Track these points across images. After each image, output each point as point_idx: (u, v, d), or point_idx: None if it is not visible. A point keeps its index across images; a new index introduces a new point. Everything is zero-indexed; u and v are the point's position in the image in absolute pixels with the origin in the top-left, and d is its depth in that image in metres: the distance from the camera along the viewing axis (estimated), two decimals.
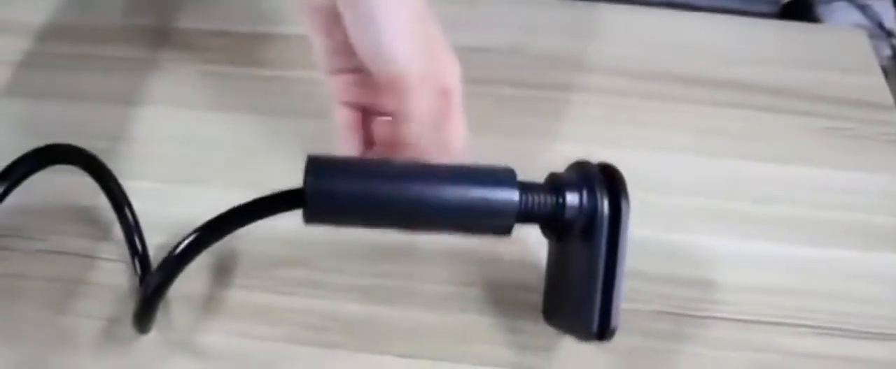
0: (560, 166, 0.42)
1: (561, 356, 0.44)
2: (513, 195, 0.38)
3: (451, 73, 0.42)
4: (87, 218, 0.48)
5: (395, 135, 0.42)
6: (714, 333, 0.45)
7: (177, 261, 0.38)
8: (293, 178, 0.37)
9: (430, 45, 0.40)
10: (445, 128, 0.42)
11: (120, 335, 0.44)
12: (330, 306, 0.46)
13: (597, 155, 0.40)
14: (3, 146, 0.43)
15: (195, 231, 0.37)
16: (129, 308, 0.42)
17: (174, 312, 0.45)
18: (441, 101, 0.41)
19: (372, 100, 0.44)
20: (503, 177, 0.39)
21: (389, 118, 0.43)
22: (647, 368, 0.43)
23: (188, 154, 0.53)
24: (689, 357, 0.44)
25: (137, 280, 0.45)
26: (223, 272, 0.47)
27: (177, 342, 0.44)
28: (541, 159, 0.43)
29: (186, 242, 0.37)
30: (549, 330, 0.44)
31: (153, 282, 0.39)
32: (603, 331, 0.38)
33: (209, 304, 0.46)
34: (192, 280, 0.45)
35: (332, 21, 0.40)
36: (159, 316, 0.42)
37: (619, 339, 0.42)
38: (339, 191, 0.37)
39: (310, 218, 0.37)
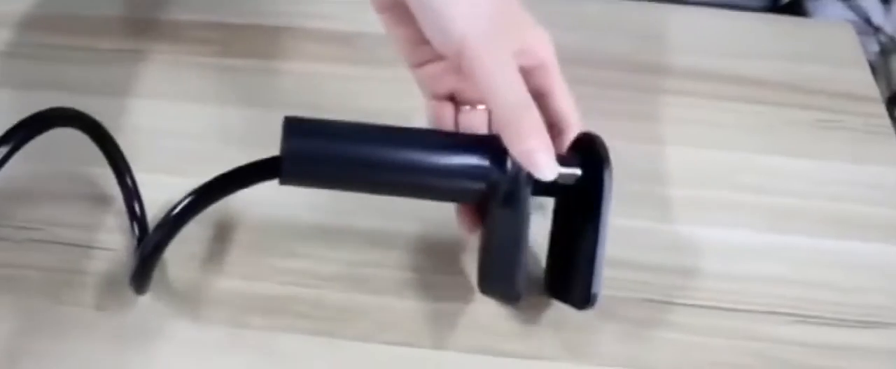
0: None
1: (547, 342, 0.44)
2: (485, 161, 0.38)
3: (540, 43, 0.38)
4: (86, 184, 0.49)
5: (487, 122, 0.40)
6: (703, 321, 0.45)
7: (174, 222, 0.39)
8: None
9: (501, 13, 0.37)
10: (549, 105, 0.39)
11: (120, 295, 0.44)
12: (316, 294, 0.46)
13: None
14: None
15: (190, 194, 0.38)
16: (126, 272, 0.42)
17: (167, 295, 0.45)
18: (535, 76, 0.38)
19: (458, 87, 0.41)
20: (483, 144, 0.39)
21: (480, 107, 0.41)
22: (635, 354, 0.44)
23: (177, 145, 0.53)
24: (676, 344, 0.44)
25: (136, 243, 0.45)
26: (215, 261, 0.47)
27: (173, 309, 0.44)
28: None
29: (182, 205, 0.38)
30: (536, 318, 0.44)
31: (150, 243, 0.40)
32: (586, 298, 0.39)
33: (201, 294, 0.46)
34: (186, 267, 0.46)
35: (403, 11, 0.38)
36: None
37: (606, 326, 0.42)
38: (315, 152, 0.38)
39: (285, 179, 0.38)
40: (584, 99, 0.51)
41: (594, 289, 0.39)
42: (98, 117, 0.46)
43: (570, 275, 0.41)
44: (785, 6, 1.20)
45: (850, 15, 1.07)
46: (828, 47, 0.62)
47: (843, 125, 0.56)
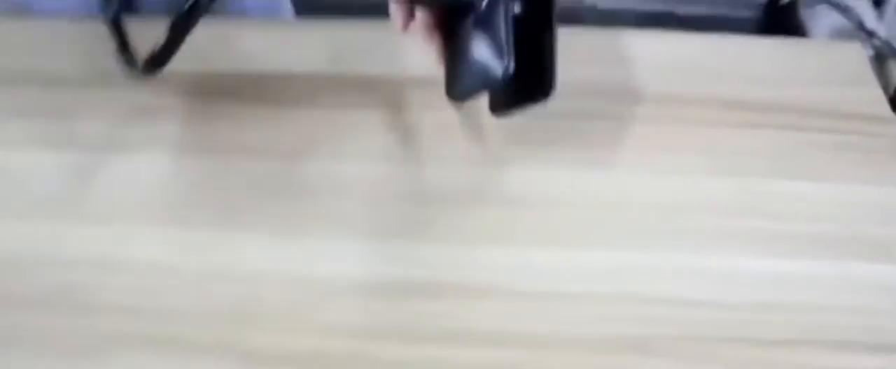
0: (560, 191, 0.43)
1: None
2: None
3: None
4: None
5: None
6: (740, 354, 0.46)
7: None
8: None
9: None
10: None
11: None
12: None
13: (600, 181, 0.41)
14: None
15: None
16: None
17: None
18: None
19: None
20: None
21: None
22: None
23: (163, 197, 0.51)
24: None
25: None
26: None
27: None
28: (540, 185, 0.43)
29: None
30: None
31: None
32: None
33: None
34: None
35: None
36: None
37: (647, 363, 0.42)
38: None
39: None
40: (602, 132, 0.51)
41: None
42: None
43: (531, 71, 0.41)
44: (778, 17, 1.21)
45: (844, 21, 1.09)
46: (838, 68, 0.62)
47: (862, 147, 0.57)
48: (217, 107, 0.54)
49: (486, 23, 0.41)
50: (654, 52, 0.64)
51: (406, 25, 0.44)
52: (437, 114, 0.51)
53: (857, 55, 0.62)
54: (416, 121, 0.53)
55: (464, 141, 0.51)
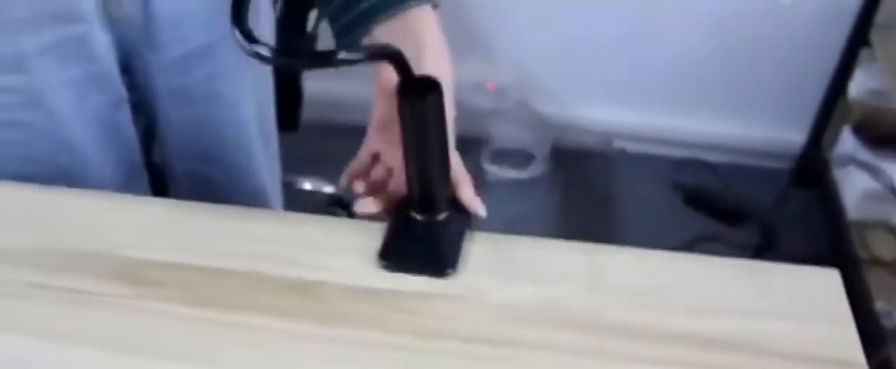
0: None
1: None
2: None
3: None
4: None
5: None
6: None
7: None
8: None
9: None
10: None
11: None
12: None
13: None
14: None
15: None
16: None
17: None
18: None
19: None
20: None
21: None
22: None
23: None
24: None
25: None
26: None
27: None
28: None
29: None
30: None
31: None
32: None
33: None
34: None
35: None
36: None
37: None
38: None
39: None
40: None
41: None
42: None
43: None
44: (809, 172, 1.18)
45: (876, 183, 1.06)
46: (809, 299, 0.48)
47: None
48: None
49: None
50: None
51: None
52: None
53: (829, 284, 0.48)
54: None
55: None
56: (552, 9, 1.16)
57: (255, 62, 0.36)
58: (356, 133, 0.50)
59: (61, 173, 0.52)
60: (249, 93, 0.58)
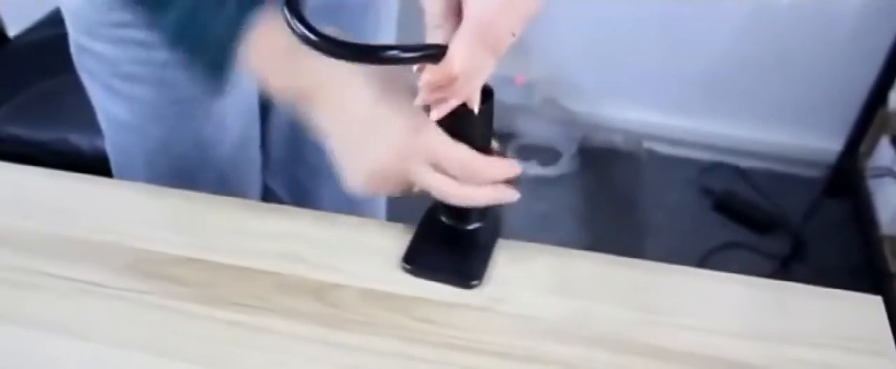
0: None
1: None
2: None
3: None
4: None
5: None
6: None
7: None
8: None
9: None
10: None
11: None
12: None
13: None
14: None
15: None
16: None
17: None
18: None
19: None
20: None
21: None
22: None
23: None
24: None
25: None
26: None
27: None
28: None
29: None
30: None
31: None
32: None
33: None
34: None
35: None
36: None
37: None
38: None
39: None
40: None
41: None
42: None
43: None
44: (842, 181, 1.16)
45: None
46: (850, 326, 0.44)
47: None
48: None
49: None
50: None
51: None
52: None
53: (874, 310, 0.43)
54: None
55: None
56: (587, 6, 1.14)
57: None
58: None
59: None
60: None
